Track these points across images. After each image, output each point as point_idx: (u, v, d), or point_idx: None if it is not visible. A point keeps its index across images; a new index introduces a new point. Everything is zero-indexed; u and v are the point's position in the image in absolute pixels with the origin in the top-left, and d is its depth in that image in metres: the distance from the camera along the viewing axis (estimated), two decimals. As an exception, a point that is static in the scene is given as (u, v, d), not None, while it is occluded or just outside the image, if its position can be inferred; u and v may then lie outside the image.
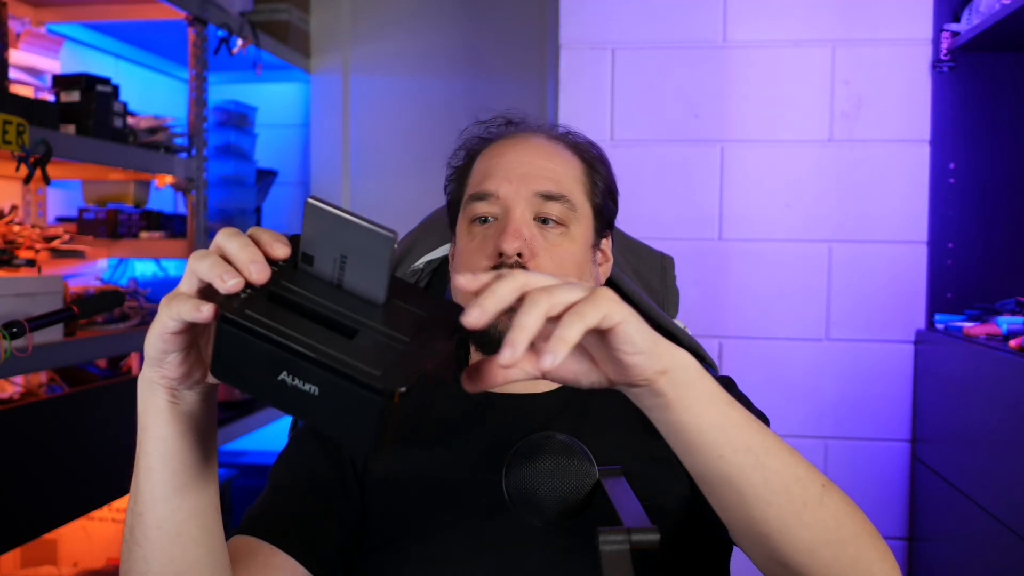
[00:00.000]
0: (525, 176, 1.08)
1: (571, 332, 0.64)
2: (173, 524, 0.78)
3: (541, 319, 0.64)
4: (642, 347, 0.68)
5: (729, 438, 0.73)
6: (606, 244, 1.18)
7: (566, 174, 1.11)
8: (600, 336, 0.68)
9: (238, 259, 0.66)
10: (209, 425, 0.77)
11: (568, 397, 1.10)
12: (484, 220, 1.09)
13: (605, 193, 1.15)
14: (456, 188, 1.17)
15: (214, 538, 0.82)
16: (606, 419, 1.07)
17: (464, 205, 1.12)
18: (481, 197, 1.09)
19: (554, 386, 1.10)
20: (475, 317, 0.64)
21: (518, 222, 1.06)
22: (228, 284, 0.64)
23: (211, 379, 0.74)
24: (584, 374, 0.72)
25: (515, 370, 0.68)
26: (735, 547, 0.96)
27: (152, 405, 0.74)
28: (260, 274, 0.65)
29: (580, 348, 0.70)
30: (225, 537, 0.86)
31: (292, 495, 1.02)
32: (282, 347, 0.59)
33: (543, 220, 1.08)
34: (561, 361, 0.64)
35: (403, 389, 0.59)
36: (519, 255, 1.05)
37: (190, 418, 0.75)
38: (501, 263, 1.05)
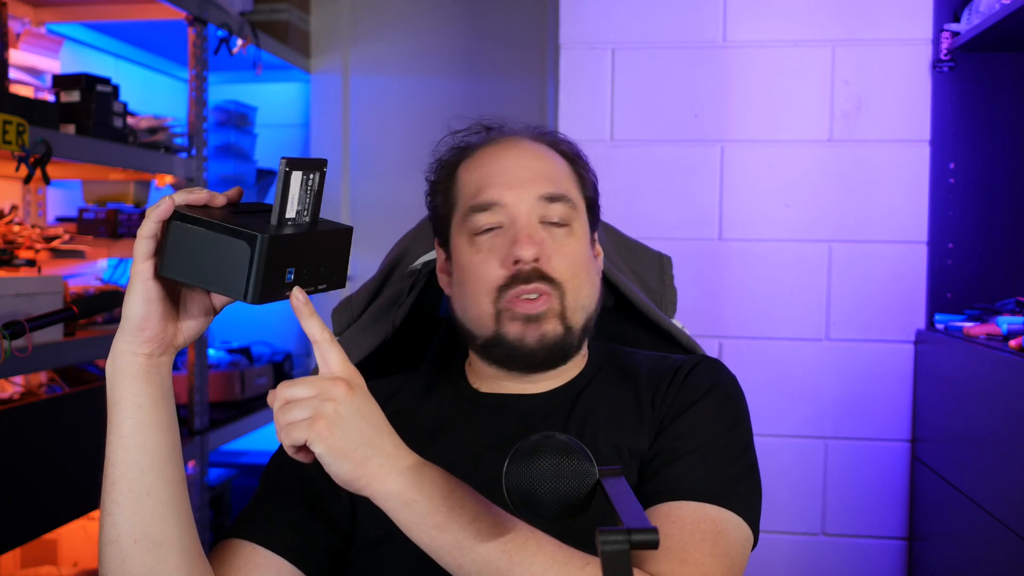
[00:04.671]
0: (525, 180, 1.07)
1: (286, 440, 0.81)
2: (143, 485, 0.85)
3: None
4: (339, 476, 0.82)
5: (442, 559, 0.84)
6: (595, 237, 1.17)
7: (560, 173, 1.11)
8: None
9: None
10: (170, 390, 0.88)
11: (558, 398, 1.11)
12: (488, 230, 1.07)
13: (592, 187, 1.16)
14: (443, 201, 1.14)
15: (181, 505, 0.88)
16: (593, 419, 1.08)
17: (462, 219, 1.10)
18: (483, 208, 1.07)
19: (544, 388, 1.11)
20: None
21: (530, 227, 1.05)
22: (176, 199, 0.83)
23: (180, 339, 0.87)
24: None
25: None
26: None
27: (128, 376, 0.85)
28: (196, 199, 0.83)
29: None
30: (215, 540, 0.88)
31: (282, 496, 1.03)
32: (198, 222, 0.80)
33: (548, 222, 1.07)
34: (292, 453, 0.82)
35: (264, 236, 0.77)
36: (535, 259, 1.04)
37: (160, 385, 0.86)
38: (518, 271, 1.04)
